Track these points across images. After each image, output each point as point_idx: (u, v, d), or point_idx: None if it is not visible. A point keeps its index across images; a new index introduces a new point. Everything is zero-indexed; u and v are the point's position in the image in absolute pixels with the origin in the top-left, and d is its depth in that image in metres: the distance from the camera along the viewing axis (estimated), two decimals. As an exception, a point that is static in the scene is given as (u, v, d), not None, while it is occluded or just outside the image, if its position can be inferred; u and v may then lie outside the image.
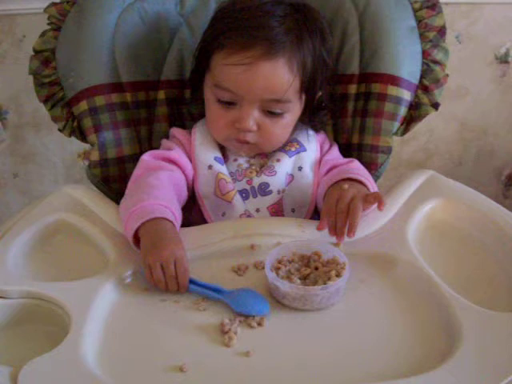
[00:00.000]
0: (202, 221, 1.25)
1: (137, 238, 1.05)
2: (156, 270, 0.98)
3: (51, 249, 1.03)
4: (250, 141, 1.21)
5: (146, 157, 1.24)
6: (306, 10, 1.21)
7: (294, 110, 1.22)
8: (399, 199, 1.19)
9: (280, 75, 1.15)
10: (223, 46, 1.16)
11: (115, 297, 0.97)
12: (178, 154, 1.24)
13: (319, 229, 1.09)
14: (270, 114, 1.19)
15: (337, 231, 1.08)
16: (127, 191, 1.19)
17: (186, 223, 1.17)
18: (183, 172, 1.23)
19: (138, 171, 1.22)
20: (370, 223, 1.14)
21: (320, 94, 1.26)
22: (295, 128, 1.27)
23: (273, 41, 1.14)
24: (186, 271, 0.99)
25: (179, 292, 0.99)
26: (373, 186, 1.19)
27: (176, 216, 1.09)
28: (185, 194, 1.23)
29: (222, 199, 1.23)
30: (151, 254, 1.00)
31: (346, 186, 1.12)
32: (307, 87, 1.20)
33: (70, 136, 1.31)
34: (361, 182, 1.17)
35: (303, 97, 1.22)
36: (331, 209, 1.09)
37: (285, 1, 1.20)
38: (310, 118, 1.28)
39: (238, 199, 1.22)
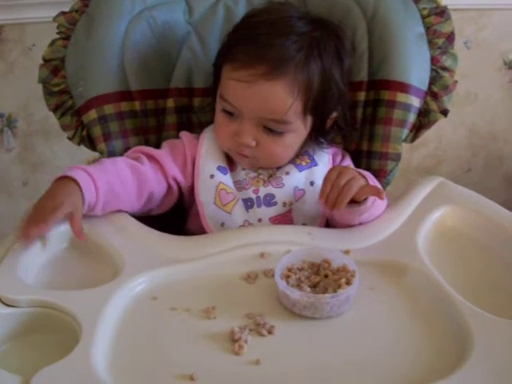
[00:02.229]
0: (200, 229, 1.24)
1: None
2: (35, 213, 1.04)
3: (62, 258, 1.03)
4: (248, 155, 1.21)
5: (130, 150, 1.27)
6: (328, 26, 1.21)
7: (297, 130, 1.20)
8: (409, 206, 1.19)
9: (278, 97, 1.15)
10: (231, 60, 1.17)
11: (125, 305, 0.97)
12: (162, 153, 1.25)
13: (320, 200, 1.11)
14: (270, 131, 1.18)
15: (327, 201, 1.09)
16: None
17: (183, 231, 1.17)
18: (163, 171, 1.24)
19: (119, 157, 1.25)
20: (380, 230, 1.14)
21: (334, 115, 1.25)
22: (306, 143, 1.26)
23: (277, 61, 1.13)
24: (73, 218, 1.05)
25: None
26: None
27: (98, 188, 1.10)
28: (156, 188, 1.23)
29: (222, 209, 1.22)
30: (38, 203, 1.07)
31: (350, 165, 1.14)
32: (312, 109, 1.19)
33: (79, 144, 1.32)
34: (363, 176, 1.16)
35: (309, 118, 1.20)
36: (330, 179, 1.10)
37: (308, 16, 1.20)
38: (319, 139, 1.27)
39: (237, 210, 1.22)
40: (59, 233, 1.10)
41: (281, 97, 1.14)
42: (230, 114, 1.19)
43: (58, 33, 1.30)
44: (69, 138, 1.32)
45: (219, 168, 1.24)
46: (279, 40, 1.14)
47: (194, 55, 1.34)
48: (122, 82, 1.30)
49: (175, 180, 1.25)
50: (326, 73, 1.18)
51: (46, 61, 1.30)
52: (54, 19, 1.31)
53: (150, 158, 1.24)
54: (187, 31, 1.35)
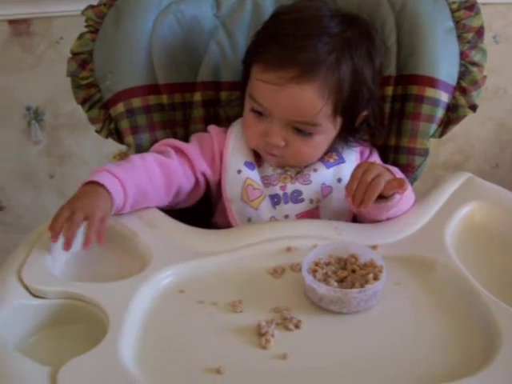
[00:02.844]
0: (227, 223, 1.24)
1: None
2: (62, 212, 1.03)
3: (90, 249, 1.03)
4: (276, 155, 1.21)
5: (158, 143, 1.27)
6: (360, 25, 1.20)
7: (327, 132, 1.20)
8: (437, 202, 1.18)
9: (309, 100, 1.14)
10: (261, 60, 1.17)
11: (152, 298, 0.97)
12: (191, 147, 1.25)
13: (347, 198, 1.10)
14: (299, 132, 1.18)
15: (354, 198, 1.08)
16: None
17: (209, 225, 1.17)
18: (191, 165, 1.24)
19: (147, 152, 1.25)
20: (408, 226, 1.13)
21: (364, 114, 1.24)
22: (335, 140, 1.25)
23: (308, 64, 1.13)
24: (92, 227, 1.03)
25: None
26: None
27: (126, 190, 1.11)
28: (183, 183, 1.23)
29: (249, 205, 1.22)
30: (69, 202, 1.05)
31: (377, 160, 1.13)
32: (343, 109, 1.18)
33: (107, 137, 1.33)
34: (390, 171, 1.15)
35: (338, 119, 1.20)
36: (357, 176, 1.09)
37: (339, 14, 1.19)
38: (348, 138, 1.26)
39: (264, 206, 1.22)
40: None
41: (311, 100, 1.14)
42: (259, 113, 1.19)
43: (86, 26, 1.31)
44: (97, 131, 1.32)
45: (246, 164, 1.24)
46: (310, 41, 1.14)
47: (221, 49, 1.34)
48: (149, 75, 1.30)
49: (203, 174, 1.25)
50: (357, 74, 1.17)
51: (75, 54, 1.31)
52: (83, 13, 1.31)
53: (179, 151, 1.24)
54: (215, 25, 1.34)
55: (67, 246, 1.02)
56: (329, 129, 1.19)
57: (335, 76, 1.15)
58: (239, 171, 1.23)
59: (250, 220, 1.23)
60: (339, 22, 1.18)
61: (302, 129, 1.17)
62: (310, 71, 1.12)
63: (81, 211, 1.03)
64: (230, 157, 1.25)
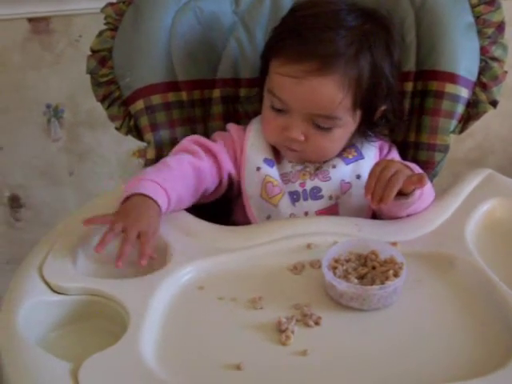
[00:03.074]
0: (246, 221, 1.24)
1: None
2: (114, 227, 1.02)
3: (110, 246, 1.03)
4: (296, 149, 1.21)
5: (187, 140, 1.26)
6: (378, 19, 1.20)
7: (346, 125, 1.20)
8: (457, 198, 1.18)
9: (329, 93, 1.14)
10: (280, 54, 1.16)
11: (172, 294, 0.98)
12: (219, 147, 1.25)
13: (366, 196, 1.09)
14: (319, 126, 1.18)
15: (373, 195, 1.08)
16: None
17: (229, 221, 1.17)
18: (219, 166, 1.24)
19: (173, 150, 1.25)
20: (428, 222, 1.13)
21: (384, 108, 1.24)
22: (354, 134, 1.25)
23: (327, 57, 1.13)
24: (148, 242, 1.02)
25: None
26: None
27: (170, 200, 1.11)
28: (209, 185, 1.23)
29: (268, 202, 1.22)
30: (120, 216, 1.05)
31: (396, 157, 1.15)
32: (363, 103, 1.18)
33: (126, 134, 1.33)
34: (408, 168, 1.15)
35: (358, 113, 1.19)
36: (375, 173, 1.09)
37: (356, 7, 1.19)
38: (367, 132, 1.26)
39: (283, 203, 1.22)
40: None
41: (330, 93, 1.14)
42: (278, 110, 1.19)
43: (105, 23, 1.31)
44: (116, 128, 1.33)
45: (265, 160, 1.24)
46: (328, 35, 1.14)
47: (240, 46, 1.34)
48: (168, 72, 1.30)
49: (229, 175, 1.25)
50: (377, 67, 1.17)
51: (94, 51, 1.31)
52: (102, 10, 1.32)
53: (208, 151, 1.24)
54: (234, 22, 1.34)
55: (119, 262, 0.99)
56: (348, 122, 1.19)
57: (354, 69, 1.14)
58: (258, 168, 1.23)
59: (269, 217, 1.23)
60: (357, 16, 1.18)
61: (321, 123, 1.17)
62: (330, 64, 1.12)
63: (135, 229, 1.03)
64: (249, 154, 1.25)
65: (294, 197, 1.22)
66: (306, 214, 1.22)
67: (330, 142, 1.20)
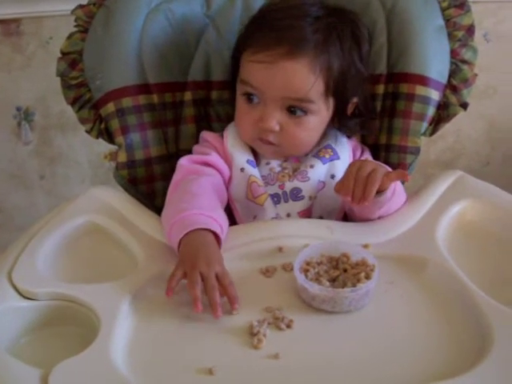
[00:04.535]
0: (233, 224, 1.23)
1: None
2: (193, 276, 0.96)
3: (80, 251, 1.03)
4: (272, 141, 1.21)
5: (185, 161, 1.24)
6: (342, 14, 1.23)
7: (320, 112, 1.20)
8: (428, 200, 1.18)
9: (301, 74, 1.15)
10: (250, 45, 1.18)
11: (144, 298, 0.97)
12: (215, 158, 1.24)
13: (336, 190, 1.09)
14: (294, 114, 1.18)
15: (353, 196, 1.07)
16: (168, 198, 1.19)
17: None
18: (222, 175, 1.23)
19: (177, 176, 1.22)
20: (399, 224, 1.13)
21: (355, 100, 1.25)
22: (327, 134, 1.26)
23: (297, 41, 1.15)
24: (232, 283, 0.98)
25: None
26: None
27: (220, 223, 1.08)
28: (226, 197, 1.23)
29: (254, 202, 1.22)
30: (190, 262, 0.99)
31: (369, 158, 1.15)
32: (334, 91, 1.20)
33: (97, 138, 1.32)
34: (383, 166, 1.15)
35: (331, 101, 1.21)
36: (352, 174, 1.08)
37: (322, 4, 1.22)
38: (340, 124, 1.27)
39: (269, 203, 1.22)
40: (77, 224, 1.10)
41: (303, 74, 1.15)
42: (251, 100, 1.19)
43: (75, 26, 1.30)
44: (87, 132, 1.31)
45: (248, 161, 1.24)
46: (297, 22, 1.17)
47: (211, 48, 1.33)
48: (139, 75, 1.29)
49: (226, 180, 1.25)
50: (345, 55, 1.20)
51: (64, 54, 1.30)
52: (72, 12, 1.30)
53: (209, 165, 1.23)
54: (205, 24, 1.34)
55: (197, 307, 0.93)
56: (322, 110, 1.20)
57: (324, 54, 1.17)
58: (242, 169, 1.24)
59: (255, 217, 1.23)
60: (322, 8, 1.22)
61: (295, 106, 1.17)
62: (299, 48, 1.15)
63: (211, 273, 0.97)
64: (232, 157, 1.25)
65: (275, 199, 1.22)
66: (289, 215, 1.22)
67: (306, 130, 1.20)
